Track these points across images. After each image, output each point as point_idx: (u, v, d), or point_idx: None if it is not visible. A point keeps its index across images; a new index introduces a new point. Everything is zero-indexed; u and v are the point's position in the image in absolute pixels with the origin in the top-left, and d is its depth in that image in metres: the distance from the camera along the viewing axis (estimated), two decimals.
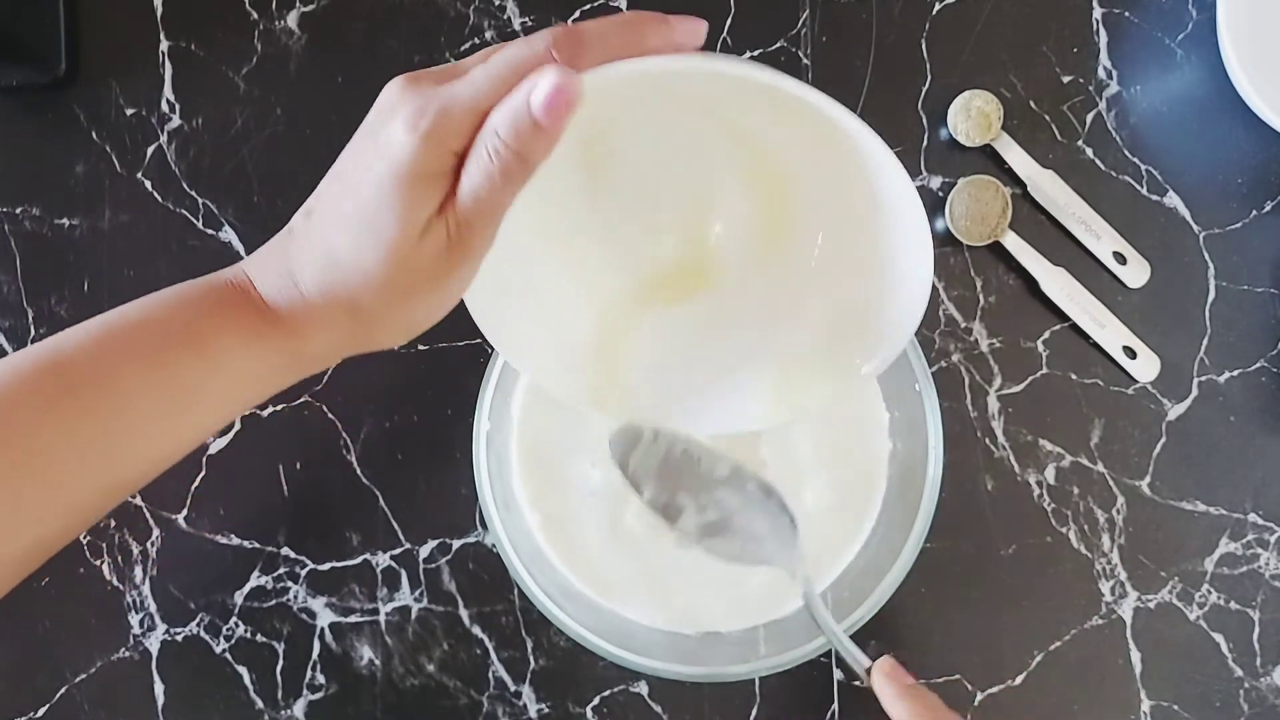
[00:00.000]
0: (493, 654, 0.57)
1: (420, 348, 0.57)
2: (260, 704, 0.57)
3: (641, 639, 0.53)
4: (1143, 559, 0.56)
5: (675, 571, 0.54)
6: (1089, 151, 0.57)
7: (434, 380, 0.57)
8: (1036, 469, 0.57)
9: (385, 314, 0.38)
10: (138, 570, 0.57)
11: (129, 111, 0.59)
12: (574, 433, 0.54)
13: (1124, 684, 0.56)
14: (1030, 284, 0.57)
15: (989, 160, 0.58)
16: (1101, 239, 0.57)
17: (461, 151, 0.36)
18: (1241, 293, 0.57)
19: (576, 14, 0.58)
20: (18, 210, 0.59)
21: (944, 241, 0.57)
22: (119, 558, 0.57)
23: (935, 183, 0.57)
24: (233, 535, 0.57)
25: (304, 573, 0.57)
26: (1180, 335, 0.57)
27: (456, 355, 0.57)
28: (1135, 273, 0.57)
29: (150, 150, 0.59)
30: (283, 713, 0.57)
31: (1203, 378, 0.57)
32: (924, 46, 0.58)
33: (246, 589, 0.57)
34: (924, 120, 0.58)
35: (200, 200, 0.58)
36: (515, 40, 0.37)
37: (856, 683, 0.54)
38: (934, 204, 0.57)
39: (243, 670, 0.57)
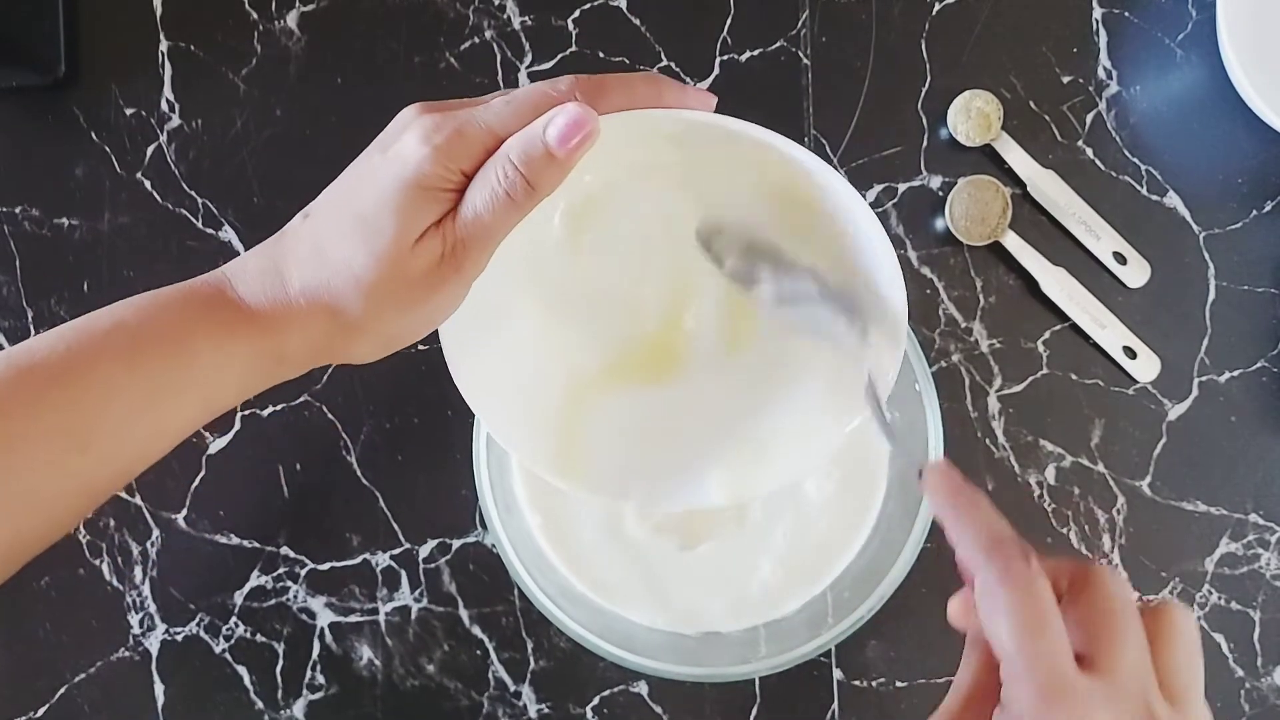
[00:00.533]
0: (493, 654, 0.57)
1: (420, 348, 0.57)
2: (260, 704, 0.57)
3: (642, 639, 0.53)
4: (1143, 559, 0.56)
5: (675, 572, 0.54)
6: (1089, 151, 0.57)
7: (434, 381, 0.57)
8: (1037, 469, 0.57)
9: (365, 320, 0.38)
10: (137, 570, 0.57)
11: (129, 112, 0.59)
12: None
13: None
14: (1030, 284, 0.57)
15: (989, 160, 0.58)
16: (1101, 239, 0.56)
17: (470, 172, 0.37)
18: (1241, 293, 0.57)
19: (575, 13, 0.58)
20: (17, 210, 0.59)
21: (944, 241, 0.57)
22: (119, 558, 0.57)
23: (935, 183, 0.57)
24: (232, 535, 0.57)
25: (304, 573, 0.57)
26: (1180, 335, 0.57)
27: None
28: (1135, 273, 0.57)
29: (150, 151, 0.59)
30: (283, 713, 0.57)
31: (1203, 378, 0.57)
32: (924, 47, 0.58)
33: (246, 589, 0.57)
34: (924, 120, 0.58)
35: (200, 200, 0.58)
36: (540, 81, 0.39)
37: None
38: (934, 204, 0.57)
39: (243, 670, 0.57)
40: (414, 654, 0.57)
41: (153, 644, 0.57)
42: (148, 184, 0.59)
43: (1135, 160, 0.57)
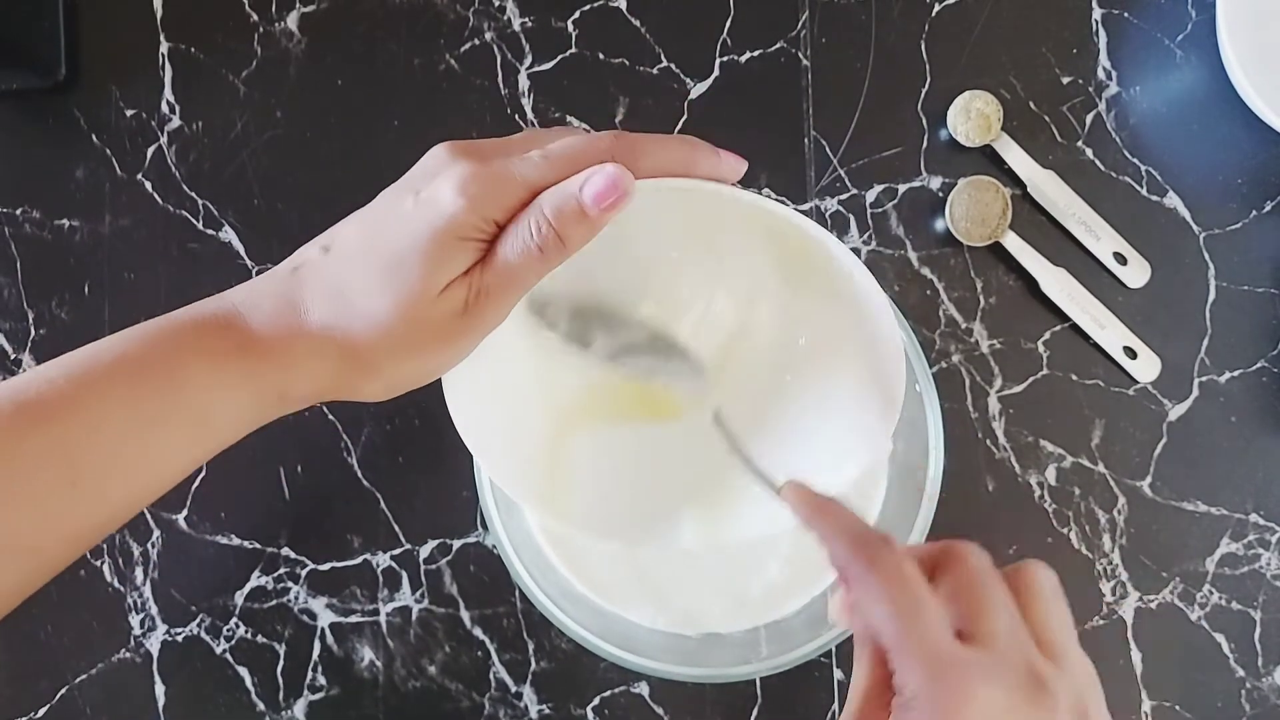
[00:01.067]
0: (494, 655, 0.57)
1: None
2: (261, 705, 0.57)
3: (642, 640, 0.53)
4: (1144, 559, 0.56)
5: (676, 573, 0.54)
6: (1089, 152, 0.57)
7: (435, 382, 0.57)
8: (1037, 470, 0.57)
9: (379, 363, 0.38)
10: (138, 571, 0.57)
11: (129, 114, 0.59)
12: None
13: (1125, 684, 0.56)
14: (1030, 284, 0.57)
15: (989, 161, 0.58)
16: (1101, 239, 0.56)
17: (503, 223, 0.37)
18: (1241, 293, 0.57)
19: (575, 15, 0.58)
20: (18, 213, 0.59)
21: (944, 242, 0.57)
22: (119, 559, 0.57)
23: (935, 183, 0.57)
24: (233, 536, 0.57)
25: (304, 573, 0.57)
26: (1180, 335, 0.57)
27: None
28: (1135, 273, 0.57)
29: (150, 152, 0.59)
30: (283, 714, 0.57)
31: (1203, 378, 0.57)
32: (924, 47, 0.58)
33: (247, 590, 0.57)
34: (924, 121, 0.58)
35: (200, 202, 0.58)
36: (575, 132, 0.39)
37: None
38: (934, 205, 0.57)
39: (243, 671, 0.57)
40: (415, 655, 0.57)
41: (153, 645, 0.57)
42: (148, 186, 0.59)
43: (1135, 161, 0.57)
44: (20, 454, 0.35)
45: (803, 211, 0.57)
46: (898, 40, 0.58)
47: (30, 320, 0.58)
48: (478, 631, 0.57)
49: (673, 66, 0.58)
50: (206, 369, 0.37)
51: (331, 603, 0.57)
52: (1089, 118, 0.57)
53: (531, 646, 0.57)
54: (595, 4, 0.58)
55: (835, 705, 0.56)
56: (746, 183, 0.57)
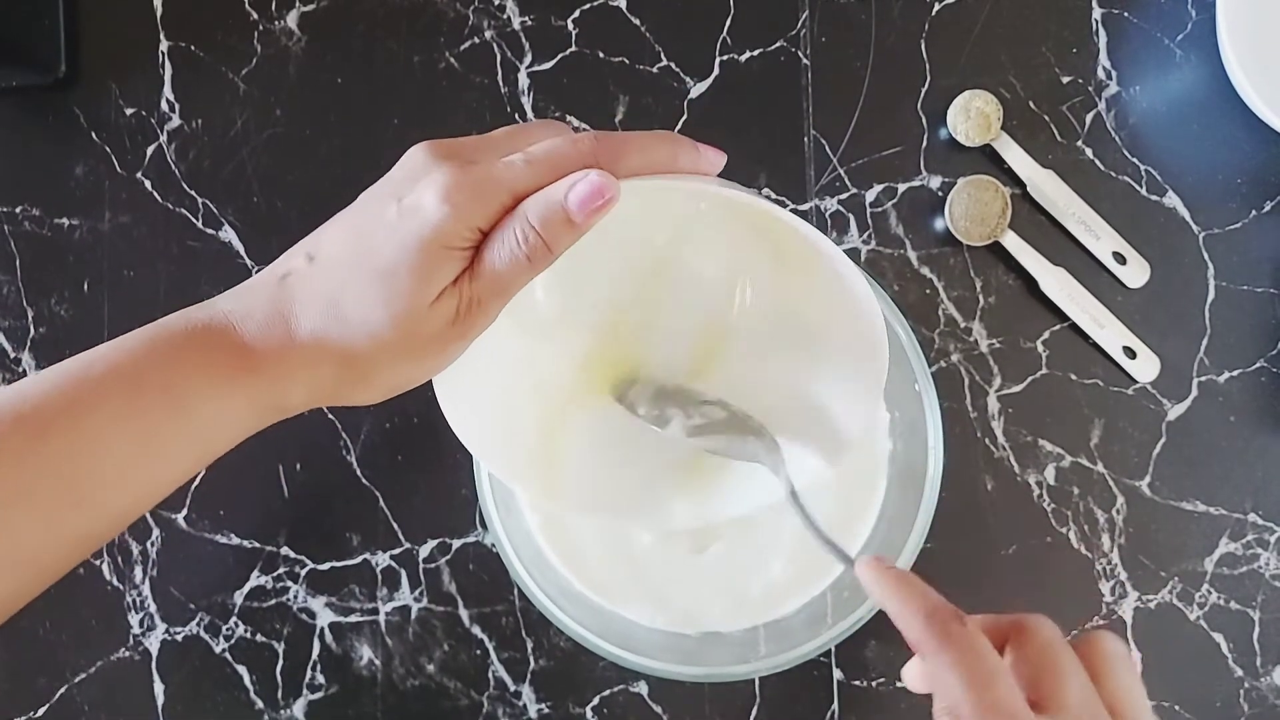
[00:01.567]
0: (493, 654, 0.57)
1: None
2: (260, 704, 0.57)
3: (641, 639, 0.53)
4: (1143, 559, 0.56)
5: (675, 572, 0.54)
6: (1089, 152, 0.57)
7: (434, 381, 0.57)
8: (1036, 469, 0.57)
9: (375, 372, 0.38)
10: (138, 570, 0.57)
11: (129, 112, 0.59)
12: None
13: None
14: (1030, 284, 0.57)
15: (989, 160, 0.58)
16: (1101, 239, 0.56)
17: (486, 230, 0.37)
18: (1241, 293, 0.57)
19: (575, 13, 0.58)
20: (17, 210, 0.59)
21: (944, 241, 0.57)
22: (119, 558, 0.57)
23: (935, 183, 0.57)
24: (233, 535, 0.57)
25: (304, 572, 0.57)
26: (1180, 335, 0.57)
27: None
28: (1135, 273, 0.57)
29: (150, 150, 0.59)
30: (283, 713, 0.57)
31: (1203, 378, 0.57)
32: (924, 47, 0.58)
33: (246, 589, 0.57)
34: (924, 120, 0.58)
35: (200, 200, 0.58)
36: (556, 129, 0.39)
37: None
38: (934, 204, 0.57)
39: (243, 670, 0.57)
40: (414, 654, 0.57)
41: (153, 644, 0.57)
42: (148, 184, 0.59)
43: (1135, 160, 0.57)
44: (19, 468, 0.35)
45: (802, 211, 0.57)
46: (898, 40, 0.58)
47: (30, 318, 0.58)
48: (477, 630, 0.57)
49: (673, 65, 0.58)
50: (203, 382, 0.37)
51: (331, 602, 0.57)
52: (1089, 117, 0.57)
53: (530, 645, 0.57)
54: (595, 3, 0.58)
55: (835, 705, 0.56)
56: (747, 182, 0.57)
